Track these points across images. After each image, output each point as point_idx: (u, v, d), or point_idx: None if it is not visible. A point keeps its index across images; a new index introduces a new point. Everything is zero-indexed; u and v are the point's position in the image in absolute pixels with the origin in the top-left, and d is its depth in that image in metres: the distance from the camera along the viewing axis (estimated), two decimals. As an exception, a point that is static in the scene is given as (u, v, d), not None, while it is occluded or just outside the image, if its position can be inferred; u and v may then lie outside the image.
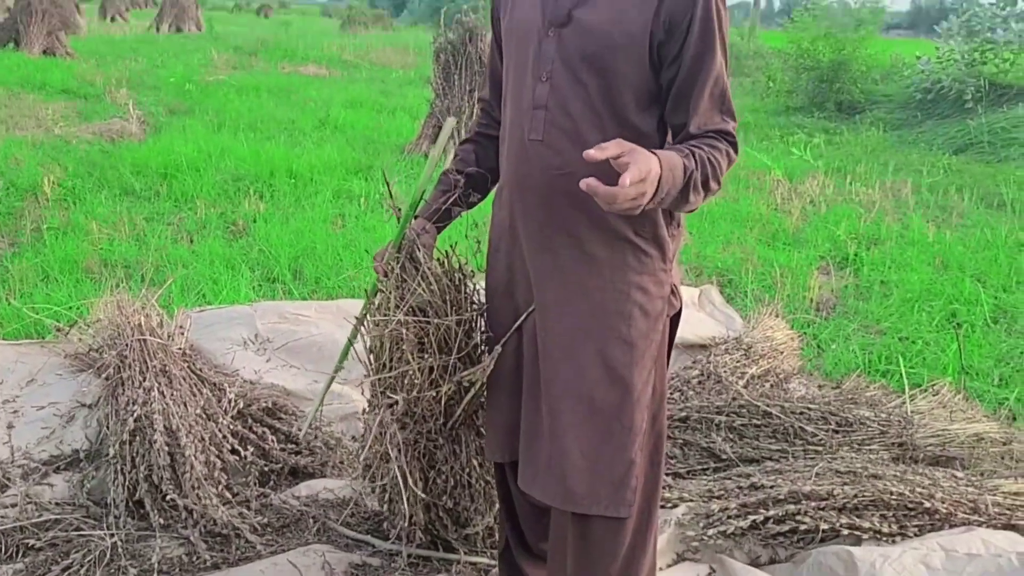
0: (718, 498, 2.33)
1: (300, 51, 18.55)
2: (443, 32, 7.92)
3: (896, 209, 6.48)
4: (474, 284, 1.90)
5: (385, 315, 1.85)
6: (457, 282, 1.86)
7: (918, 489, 2.25)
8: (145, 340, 2.57)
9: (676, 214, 1.70)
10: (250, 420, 2.59)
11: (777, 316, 3.69)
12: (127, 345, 2.57)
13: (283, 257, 4.53)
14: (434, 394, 1.87)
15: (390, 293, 1.82)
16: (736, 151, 1.59)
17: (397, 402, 1.90)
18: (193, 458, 2.28)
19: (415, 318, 1.81)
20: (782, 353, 3.37)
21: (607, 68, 1.56)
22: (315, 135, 8.39)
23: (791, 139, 9.80)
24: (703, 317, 3.78)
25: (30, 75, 10.88)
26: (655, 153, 1.37)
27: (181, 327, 2.82)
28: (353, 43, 21.81)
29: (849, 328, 4.03)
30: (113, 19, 27.66)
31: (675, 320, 1.79)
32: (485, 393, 1.92)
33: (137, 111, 8.90)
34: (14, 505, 2.27)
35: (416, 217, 1.83)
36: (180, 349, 2.69)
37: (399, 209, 1.83)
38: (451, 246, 1.88)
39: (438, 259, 1.86)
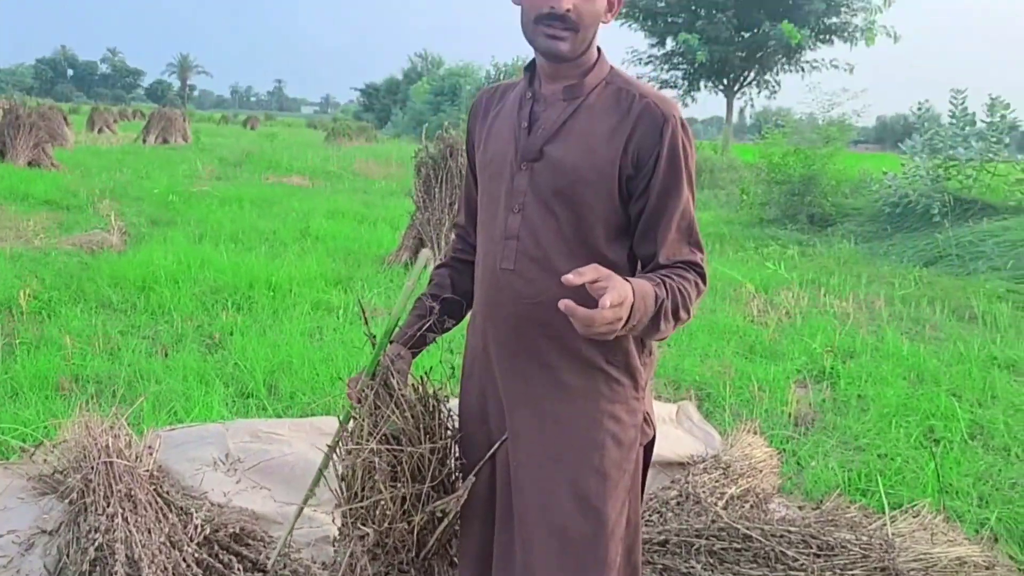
0: (699, 629, 2.26)
1: (284, 162, 18.94)
2: (425, 146, 8.11)
3: (870, 321, 6.56)
4: (448, 410, 1.89)
5: (358, 443, 1.82)
6: (431, 408, 1.85)
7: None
8: (112, 463, 2.51)
9: (648, 342, 1.72)
10: (217, 547, 2.51)
11: (756, 433, 3.67)
12: (92, 468, 2.51)
13: (258, 371, 4.49)
14: (406, 525, 1.83)
15: (363, 420, 1.81)
16: (705, 282, 1.62)
17: (368, 534, 1.85)
18: (154, 590, 2.19)
19: (388, 447, 1.79)
20: (761, 472, 3.34)
21: (577, 201, 1.60)
22: (296, 246, 8.46)
23: (765, 251, 9.99)
24: (681, 434, 3.75)
25: (14, 186, 10.99)
26: (629, 280, 1.40)
27: (150, 447, 2.76)
28: (337, 154, 22.32)
29: (828, 444, 4.01)
30: (101, 131, 28.23)
31: (648, 448, 1.78)
32: (459, 522, 1.88)
33: (119, 222, 8.98)
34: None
35: (391, 342, 1.84)
36: (147, 471, 2.62)
37: (373, 336, 1.84)
38: (426, 372, 1.88)
39: (412, 385, 1.85)
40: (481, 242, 1.77)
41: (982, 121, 10.54)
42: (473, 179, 1.88)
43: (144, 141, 24.50)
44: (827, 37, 24.64)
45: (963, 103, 10.64)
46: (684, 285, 1.55)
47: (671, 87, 27.25)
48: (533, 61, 1.72)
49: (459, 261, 1.93)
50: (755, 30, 25.20)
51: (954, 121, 10.63)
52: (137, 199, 11.46)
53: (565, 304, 1.30)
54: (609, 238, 1.63)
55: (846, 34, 24.41)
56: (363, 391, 1.80)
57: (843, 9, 23.85)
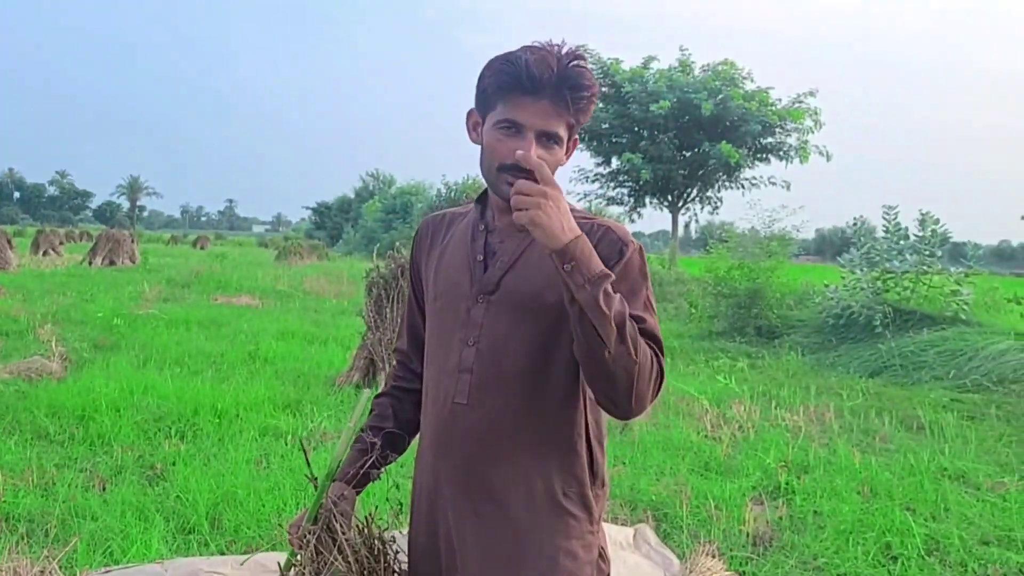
0: None
1: (234, 282, 18.84)
2: (376, 265, 8.15)
3: (821, 434, 6.61)
4: (395, 551, 1.82)
5: None
6: (376, 552, 1.78)
7: None
8: (38, 615, 2.36)
9: (599, 472, 1.67)
10: None
11: (714, 556, 3.61)
12: (17, 622, 2.35)
13: (201, 504, 4.31)
14: None
15: (305, 568, 1.73)
16: (660, 358, 1.52)
17: None
18: None
19: None
20: (722, 598, 3.26)
21: (537, 331, 1.59)
22: (244, 369, 8.31)
23: (716, 364, 10.09)
24: (639, 560, 3.67)
25: (-49, 312, 10.71)
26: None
27: (81, 596, 2.61)
28: (288, 273, 22.28)
29: (787, 565, 3.95)
30: (46, 253, 27.88)
31: None
32: None
33: (60, 348, 8.75)
34: None
35: (334, 480, 1.78)
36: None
37: (315, 479, 1.78)
38: (370, 513, 1.81)
39: (357, 527, 1.78)
40: (430, 375, 1.72)
41: (915, 235, 10.99)
42: (417, 307, 1.86)
43: (90, 263, 24.21)
44: (764, 156, 25.79)
45: (895, 218, 11.12)
46: (638, 336, 1.47)
47: (618, 204, 28.07)
48: (485, 192, 1.73)
49: (400, 390, 1.89)
50: (696, 149, 26.27)
51: (888, 235, 11.08)
52: (80, 323, 11.22)
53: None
54: (572, 359, 1.57)
55: (781, 153, 25.57)
56: (304, 536, 1.73)
57: (777, 130, 25.06)
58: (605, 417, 1.68)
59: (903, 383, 8.88)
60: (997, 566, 3.98)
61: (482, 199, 1.75)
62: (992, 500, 4.96)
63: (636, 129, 26.27)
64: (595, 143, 26.47)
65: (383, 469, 1.81)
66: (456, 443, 1.64)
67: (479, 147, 1.65)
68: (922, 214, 10.93)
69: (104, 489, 4.61)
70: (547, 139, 1.57)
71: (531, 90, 1.55)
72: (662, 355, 1.53)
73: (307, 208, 78.26)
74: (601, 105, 24.80)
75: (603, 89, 25.10)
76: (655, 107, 24.03)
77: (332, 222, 68.78)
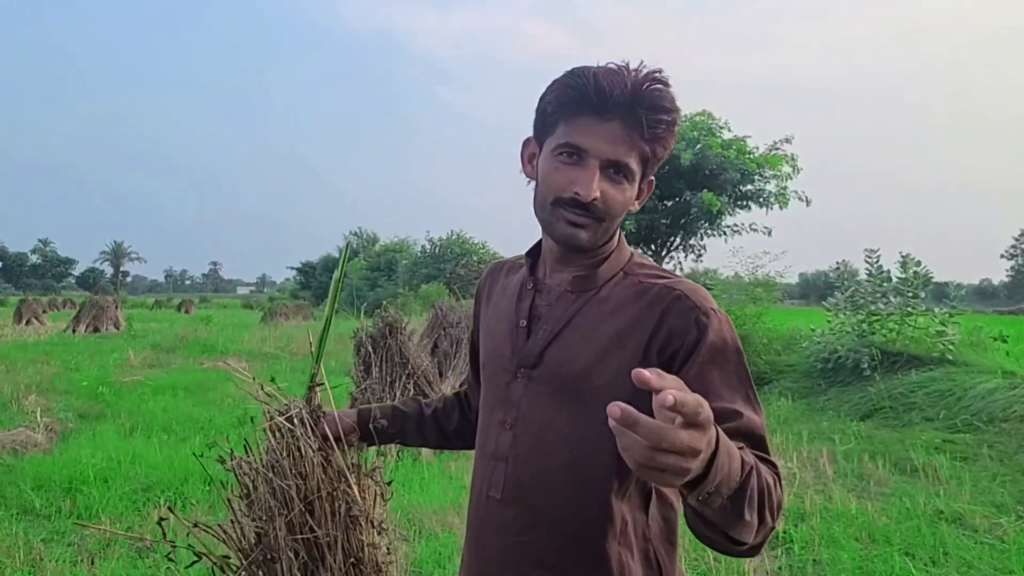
0: None
1: (220, 345, 18.72)
2: (363, 325, 8.14)
3: (816, 480, 6.58)
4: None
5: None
6: (332, 468, 1.71)
7: None
8: None
9: (663, 565, 1.37)
10: None
11: (716, 610, 3.56)
12: None
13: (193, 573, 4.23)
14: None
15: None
16: (781, 481, 1.20)
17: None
18: None
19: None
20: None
21: (582, 418, 1.32)
22: (233, 433, 8.21)
23: (707, 412, 10.05)
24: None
25: (-67, 386, 10.57)
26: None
27: None
28: (274, 334, 22.16)
29: (790, 616, 3.91)
30: (29, 322, 27.66)
31: None
32: None
33: (45, 418, 8.64)
34: None
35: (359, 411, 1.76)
36: None
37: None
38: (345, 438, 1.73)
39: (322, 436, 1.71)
40: (476, 455, 1.50)
41: (897, 277, 11.11)
42: (472, 367, 1.70)
43: (74, 331, 24.02)
44: (744, 203, 26.10)
45: (877, 261, 11.25)
46: (766, 476, 1.14)
47: (602, 255, 28.23)
48: (537, 244, 1.49)
49: (460, 401, 1.78)
50: (677, 199, 26.56)
51: (871, 278, 11.18)
52: (66, 392, 11.10)
53: (616, 407, 0.85)
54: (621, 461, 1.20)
55: (761, 199, 25.88)
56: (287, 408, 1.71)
57: (756, 177, 25.41)
58: (677, 512, 1.37)
59: (894, 425, 8.88)
60: (1000, 610, 3.95)
61: (533, 253, 1.50)
62: (990, 542, 4.94)
63: (618, 180, 26.56)
64: (577, 195, 26.72)
65: (394, 440, 1.74)
66: (490, 545, 1.41)
67: (533, 185, 1.41)
68: (903, 256, 11.06)
69: (93, 563, 4.52)
70: (615, 171, 1.31)
71: (599, 108, 1.28)
72: (774, 466, 1.21)
73: (291, 268, 78.29)
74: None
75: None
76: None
77: (317, 281, 68.86)
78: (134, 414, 9.25)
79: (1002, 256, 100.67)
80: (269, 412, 1.72)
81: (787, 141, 25.53)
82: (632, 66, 1.29)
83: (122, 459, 6.63)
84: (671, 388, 0.85)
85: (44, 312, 30.46)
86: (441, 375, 10.05)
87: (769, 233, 26.52)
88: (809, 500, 5.78)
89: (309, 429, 1.67)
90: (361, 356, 8.03)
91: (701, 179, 25.63)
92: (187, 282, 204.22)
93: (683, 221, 26.95)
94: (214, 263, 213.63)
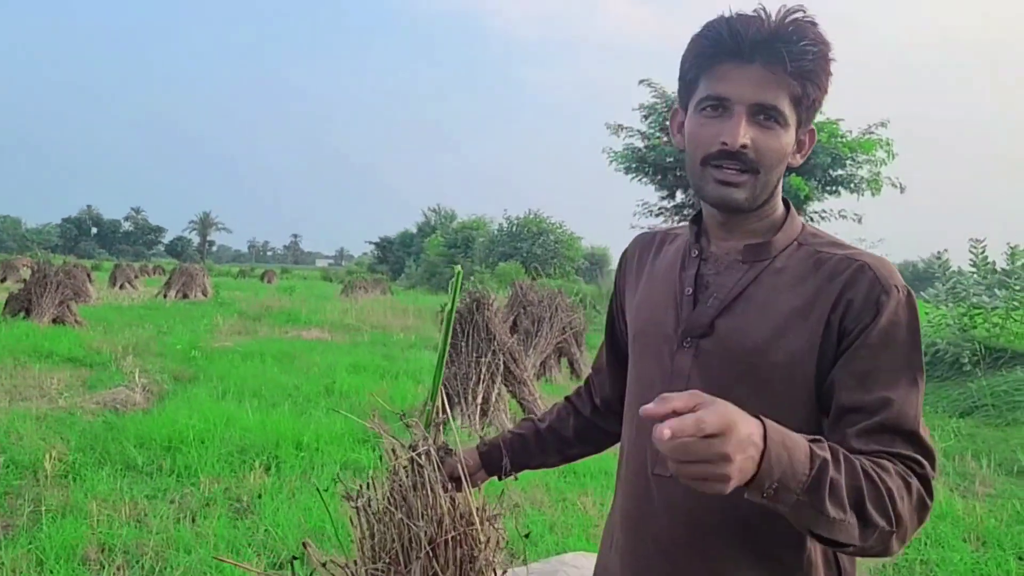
0: None
1: (303, 316, 19.10)
2: (451, 299, 8.16)
3: (916, 477, 6.33)
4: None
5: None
6: (454, 519, 1.60)
7: None
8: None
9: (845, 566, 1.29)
10: None
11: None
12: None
13: (291, 539, 4.31)
14: None
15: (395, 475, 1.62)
16: (928, 490, 1.15)
17: None
18: None
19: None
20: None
21: (761, 390, 1.24)
22: (321, 401, 8.36)
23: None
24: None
25: (38, 344, 11.04)
26: (759, 417, 1.00)
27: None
28: (354, 307, 22.55)
29: (898, 616, 3.76)
30: (123, 287, 28.76)
31: None
32: None
33: (142, 379, 8.93)
34: None
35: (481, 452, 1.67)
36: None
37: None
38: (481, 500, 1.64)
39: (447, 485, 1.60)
40: (627, 433, 1.43)
41: (1002, 269, 10.60)
42: (610, 342, 1.62)
43: (165, 296, 24.88)
44: (834, 188, 25.30)
45: (983, 252, 10.75)
46: (881, 474, 1.08)
47: (683, 238, 27.83)
48: (699, 213, 1.41)
49: (572, 407, 1.70)
50: (763, 183, 25.96)
51: (976, 270, 10.70)
52: (159, 355, 11.47)
53: (644, 410, 0.93)
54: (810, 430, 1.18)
55: (852, 185, 25.05)
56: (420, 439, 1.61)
57: (848, 162, 24.59)
58: None
59: (997, 423, 8.50)
60: None
61: (697, 218, 1.42)
62: (1112, 551, 4.67)
63: (702, 162, 26.11)
64: (659, 176, 26.31)
65: (521, 470, 1.66)
66: (653, 525, 1.33)
67: (685, 154, 1.34)
68: (1011, 248, 10.54)
69: (194, 521, 4.64)
70: (764, 116, 1.23)
71: (736, 51, 1.22)
72: (928, 487, 1.14)
73: (369, 242, 79.64)
74: (665, 139, 24.68)
75: (667, 123, 24.99)
76: (721, 140, 23.91)
77: (394, 256, 69.91)
78: (225, 378, 9.48)
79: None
80: (395, 448, 1.64)
81: (882, 125, 24.58)
82: (771, 10, 1.23)
83: (217, 421, 6.79)
84: (675, 404, 0.91)
85: (136, 277, 31.63)
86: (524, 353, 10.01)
87: (859, 220, 25.71)
88: (910, 497, 5.56)
89: (437, 468, 1.59)
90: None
91: (789, 163, 24.99)
92: (268, 253, 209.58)
93: (768, 206, 26.31)
94: (295, 235, 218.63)
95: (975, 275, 10.64)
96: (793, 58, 1.20)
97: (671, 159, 25.82)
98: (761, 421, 0.99)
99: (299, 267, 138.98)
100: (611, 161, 25.30)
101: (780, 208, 1.35)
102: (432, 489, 1.57)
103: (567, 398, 1.74)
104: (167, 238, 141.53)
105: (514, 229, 42.91)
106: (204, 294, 26.39)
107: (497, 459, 1.64)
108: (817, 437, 1.07)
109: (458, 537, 1.59)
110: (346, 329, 17.25)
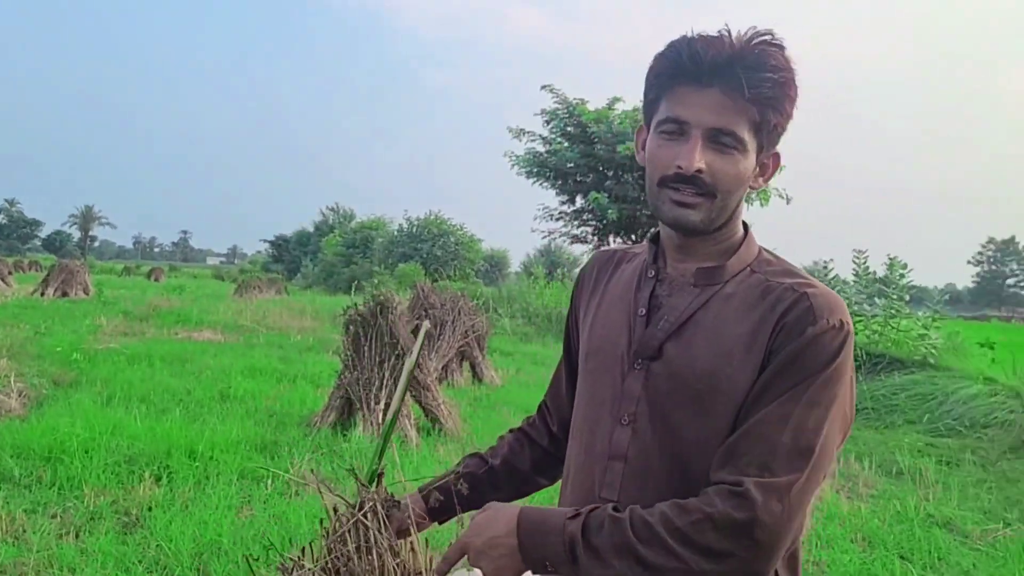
0: None
1: (194, 316, 18.41)
2: (354, 302, 8.01)
3: (805, 479, 6.58)
4: None
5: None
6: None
7: None
8: None
9: None
10: None
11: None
12: None
13: (184, 554, 4.12)
14: None
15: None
16: (748, 507, 1.13)
17: None
18: None
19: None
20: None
21: (705, 416, 1.24)
22: (214, 407, 8.06)
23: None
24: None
25: (-100, 344, 10.26)
26: (520, 511, 1.20)
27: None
28: (249, 307, 21.89)
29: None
30: (-4, 283, 27.04)
31: None
32: None
33: (18, 384, 8.41)
34: None
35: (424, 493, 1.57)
36: None
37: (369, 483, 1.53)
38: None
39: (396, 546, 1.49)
40: (573, 455, 1.42)
41: (881, 278, 11.18)
42: (566, 360, 1.59)
43: (43, 294, 23.55)
44: (726, 198, 26.16)
45: (864, 263, 11.31)
46: (662, 520, 1.14)
47: (582, 242, 28.15)
48: (658, 233, 1.41)
49: (527, 437, 1.65)
50: (657, 190, 26.59)
51: (857, 279, 11.25)
52: (37, 357, 10.83)
53: None
54: None
55: (742, 195, 25.96)
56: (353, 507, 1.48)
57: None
58: (806, 525, 1.28)
59: (877, 426, 8.95)
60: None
61: (655, 240, 1.41)
62: (983, 549, 4.96)
63: (601, 169, 26.51)
64: (560, 181, 26.62)
65: (460, 509, 1.57)
66: None
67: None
68: (890, 259, 11.13)
69: (78, 537, 4.38)
70: (721, 140, 1.23)
71: (695, 74, 1.21)
72: (746, 509, 1.12)
73: (264, 241, 77.56)
74: (566, 144, 25.00)
75: (568, 129, 25.27)
76: (621, 148, 24.30)
77: (290, 255, 68.34)
78: (110, 383, 9.03)
79: (969, 262, 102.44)
80: (335, 506, 1.51)
81: (771, 138, 25.59)
82: (737, 32, 1.23)
83: (102, 429, 6.45)
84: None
85: (10, 273, 29.83)
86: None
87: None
88: (800, 499, 5.77)
89: (383, 526, 1.48)
90: (351, 335, 7.88)
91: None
92: (156, 249, 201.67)
93: (663, 213, 26.98)
94: (184, 231, 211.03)
95: (857, 284, 11.19)
96: (752, 85, 1.20)
97: (571, 164, 26.18)
98: (519, 511, 1.18)
99: (189, 265, 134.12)
100: (513, 165, 25.43)
101: (739, 232, 1.35)
102: (379, 554, 1.45)
103: (518, 428, 1.68)
104: (44, 232, 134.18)
105: (414, 230, 42.58)
106: (86, 292, 25.08)
107: (445, 504, 1.56)
108: (580, 511, 1.20)
109: None
110: (240, 330, 16.72)
